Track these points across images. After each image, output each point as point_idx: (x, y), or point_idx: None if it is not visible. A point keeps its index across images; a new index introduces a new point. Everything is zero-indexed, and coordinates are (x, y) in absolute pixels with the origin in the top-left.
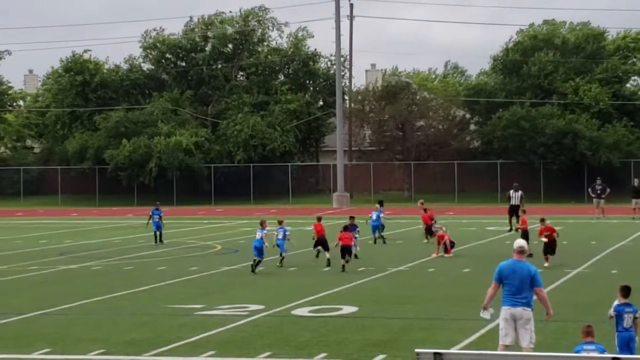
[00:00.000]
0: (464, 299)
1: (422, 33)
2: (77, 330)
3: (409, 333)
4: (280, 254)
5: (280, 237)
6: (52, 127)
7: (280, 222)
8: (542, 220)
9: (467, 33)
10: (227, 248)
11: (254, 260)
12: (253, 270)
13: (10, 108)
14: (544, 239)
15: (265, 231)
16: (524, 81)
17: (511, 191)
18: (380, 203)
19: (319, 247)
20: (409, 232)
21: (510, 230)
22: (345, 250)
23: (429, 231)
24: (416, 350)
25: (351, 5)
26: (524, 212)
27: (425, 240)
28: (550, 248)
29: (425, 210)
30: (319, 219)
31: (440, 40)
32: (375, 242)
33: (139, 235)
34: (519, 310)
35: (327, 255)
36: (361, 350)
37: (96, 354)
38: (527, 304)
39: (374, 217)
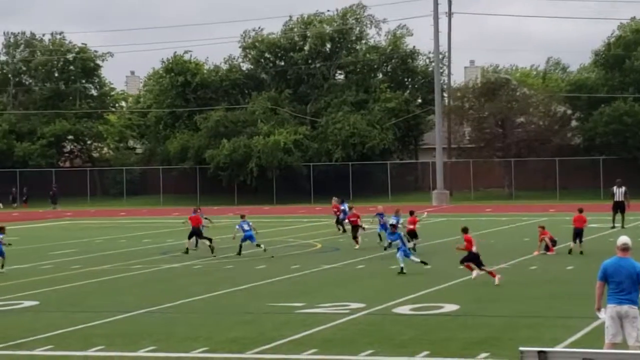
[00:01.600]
0: (568, 297)
1: (522, 28)
2: (180, 329)
3: (512, 331)
4: (259, 245)
5: (246, 228)
6: (154, 128)
7: (242, 217)
8: None
9: (569, 27)
10: (327, 246)
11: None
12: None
13: (113, 109)
14: None
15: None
16: (626, 76)
17: (614, 187)
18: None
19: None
20: (508, 230)
21: (614, 227)
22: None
23: (339, 222)
24: (520, 348)
25: (449, 2)
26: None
27: (338, 230)
28: None
29: (342, 206)
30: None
31: (541, 35)
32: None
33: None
34: (624, 308)
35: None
36: (464, 349)
37: (200, 352)
38: (633, 302)
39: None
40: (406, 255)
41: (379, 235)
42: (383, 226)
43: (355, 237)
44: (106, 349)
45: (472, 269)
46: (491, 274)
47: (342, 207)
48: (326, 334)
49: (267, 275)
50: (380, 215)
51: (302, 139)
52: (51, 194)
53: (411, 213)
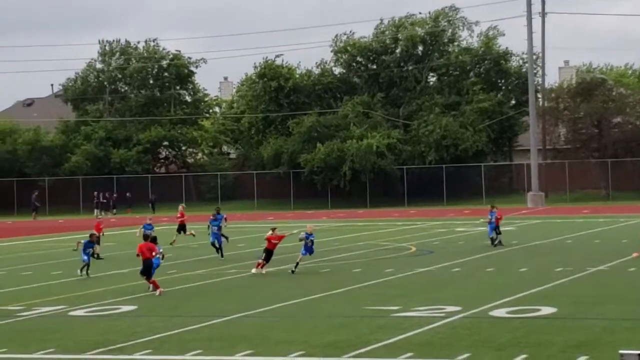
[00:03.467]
0: None
1: (621, 28)
2: (276, 333)
3: (612, 334)
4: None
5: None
6: (247, 133)
7: (218, 211)
8: None
9: None
10: (421, 249)
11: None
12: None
13: (207, 115)
14: None
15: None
16: None
17: None
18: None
19: None
20: (607, 231)
21: None
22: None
23: (182, 229)
24: (620, 351)
25: (543, 2)
26: None
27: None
28: None
29: (217, 216)
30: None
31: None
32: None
33: (333, 237)
34: None
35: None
36: (563, 352)
37: (296, 356)
38: None
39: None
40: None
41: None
42: (492, 225)
43: (264, 261)
44: (204, 353)
45: None
46: None
47: (218, 217)
48: (422, 338)
49: (362, 279)
50: (308, 235)
51: (395, 142)
52: (151, 201)
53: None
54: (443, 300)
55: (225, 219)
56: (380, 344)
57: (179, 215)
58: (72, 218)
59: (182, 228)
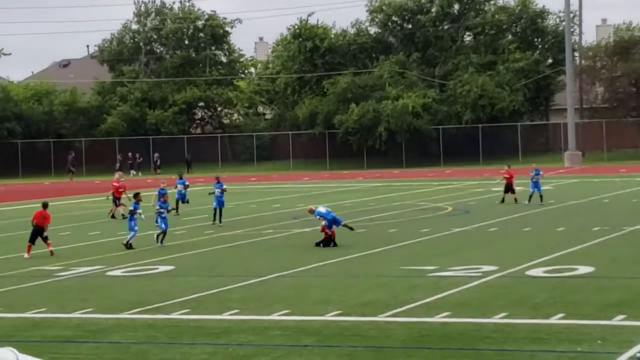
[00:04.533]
0: None
1: None
2: (313, 292)
3: None
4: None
5: (218, 192)
6: (282, 93)
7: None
8: None
9: None
10: (458, 209)
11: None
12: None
13: (242, 76)
14: None
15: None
16: None
17: None
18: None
19: None
20: None
21: None
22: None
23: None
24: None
25: None
26: None
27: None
28: None
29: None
30: None
31: None
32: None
33: (369, 197)
34: None
35: None
36: (600, 311)
37: (332, 315)
38: None
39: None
40: None
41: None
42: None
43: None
44: (241, 313)
45: None
46: None
47: (178, 184)
48: (459, 297)
49: (398, 239)
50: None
51: (430, 102)
52: (187, 161)
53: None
54: (479, 260)
55: (224, 190)
56: (416, 304)
57: (115, 183)
58: (108, 179)
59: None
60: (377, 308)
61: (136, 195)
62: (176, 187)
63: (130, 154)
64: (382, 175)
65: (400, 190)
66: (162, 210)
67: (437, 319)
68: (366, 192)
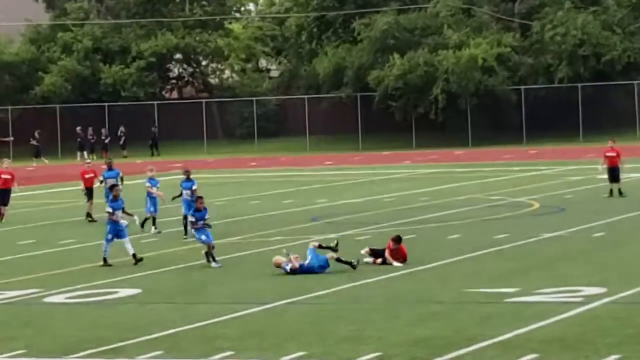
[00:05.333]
0: None
1: None
2: (339, 326)
3: None
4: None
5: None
6: (295, 40)
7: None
8: None
9: None
10: (547, 206)
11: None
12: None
13: (237, 15)
14: None
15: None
16: None
17: None
18: None
19: None
20: None
21: None
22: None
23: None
24: None
25: None
26: None
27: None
28: None
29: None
30: None
31: None
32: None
33: (419, 190)
34: None
35: None
36: None
37: (371, 357)
38: None
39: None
40: None
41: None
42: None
43: None
44: (236, 356)
45: None
46: None
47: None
48: (550, 332)
49: (462, 249)
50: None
51: (508, 52)
52: (152, 138)
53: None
54: (579, 279)
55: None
56: (488, 342)
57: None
58: (47, 164)
59: (3, 195)
60: (432, 348)
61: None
62: (102, 181)
63: (78, 128)
64: (439, 158)
65: (465, 179)
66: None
67: None
68: (415, 182)
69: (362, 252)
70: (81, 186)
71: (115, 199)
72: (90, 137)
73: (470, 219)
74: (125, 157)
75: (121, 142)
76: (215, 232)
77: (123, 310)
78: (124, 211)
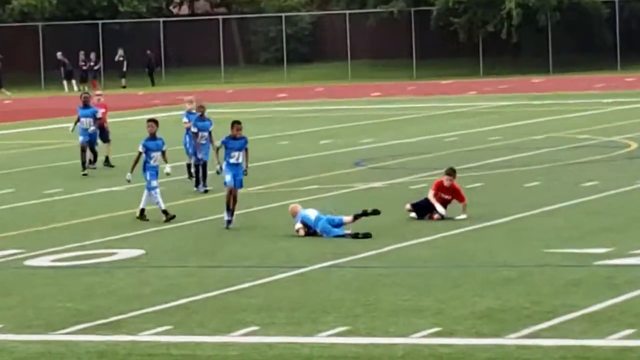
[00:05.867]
0: None
1: None
2: (388, 294)
3: None
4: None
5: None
6: None
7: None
8: None
9: None
10: None
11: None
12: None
13: None
14: None
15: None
16: None
17: None
18: None
19: None
20: None
21: None
22: None
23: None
24: None
25: None
26: None
27: None
28: None
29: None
30: None
31: None
32: None
33: (488, 127)
34: None
35: None
36: None
37: (425, 336)
38: None
39: None
40: None
41: None
42: None
43: None
44: (264, 331)
45: None
46: None
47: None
48: None
49: (541, 200)
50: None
51: None
52: (147, 65)
53: None
54: None
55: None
56: (574, 314)
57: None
58: (26, 97)
59: None
60: (502, 323)
61: (150, 123)
62: (77, 122)
63: (59, 54)
64: (512, 87)
65: (545, 114)
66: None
67: (612, 340)
68: (484, 118)
69: (406, 207)
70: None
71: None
72: (82, 64)
73: (550, 163)
74: (124, 87)
75: (124, 69)
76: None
77: (122, 275)
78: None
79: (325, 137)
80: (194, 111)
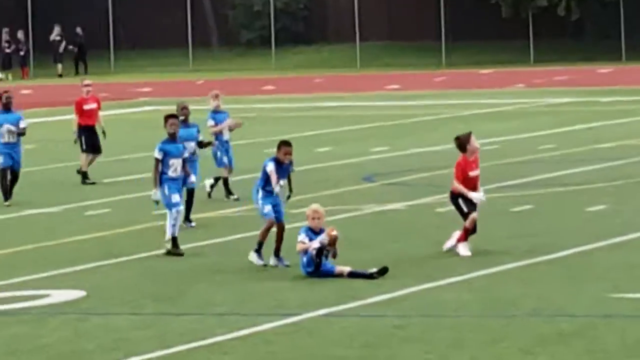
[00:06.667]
0: None
1: None
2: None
3: None
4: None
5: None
6: None
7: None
8: None
9: None
10: None
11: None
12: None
13: None
14: None
15: None
16: None
17: None
18: None
19: None
20: None
21: None
22: None
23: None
24: None
25: None
26: None
27: None
28: None
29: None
30: None
31: None
32: None
33: (539, 132)
34: None
35: None
36: None
37: None
38: None
39: None
40: None
41: None
42: None
43: None
44: None
45: None
46: None
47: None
48: None
49: (608, 229)
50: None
51: None
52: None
53: None
54: None
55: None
56: None
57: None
58: None
59: None
60: None
61: (171, 120)
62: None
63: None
64: (572, 79)
65: (616, 115)
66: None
67: None
68: (533, 120)
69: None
70: (73, 125)
71: None
72: (6, 45)
73: (622, 180)
74: (60, 75)
75: (61, 50)
76: (200, 197)
77: (55, 325)
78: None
79: (325, 143)
80: (221, 110)
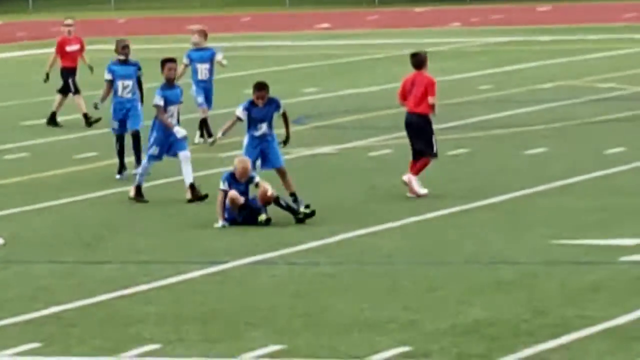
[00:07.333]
0: None
1: None
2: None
3: None
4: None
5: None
6: None
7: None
8: None
9: None
10: None
11: None
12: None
13: None
14: None
15: None
16: None
17: None
18: None
19: None
20: None
21: None
22: None
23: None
24: None
25: None
26: None
27: None
28: None
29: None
30: None
31: None
32: None
33: (476, 73)
34: None
35: None
36: None
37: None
38: None
39: None
40: None
41: None
42: None
43: None
44: (163, 351)
45: None
46: None
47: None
48: None
49: (547, 173)
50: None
51: None
52: None
53: None
54: None
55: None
56: (592, 329)
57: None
58: None
59: None
60: (495, 340)
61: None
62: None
63: None
64: (509, 18)
65: (555, 55)
66: None
67: None
68: (470, 60)
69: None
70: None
71: None
72: None
73: (562, 122)
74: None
75: None
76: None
77: None
78: None
79: (251, 85)
80: (203, 46)
